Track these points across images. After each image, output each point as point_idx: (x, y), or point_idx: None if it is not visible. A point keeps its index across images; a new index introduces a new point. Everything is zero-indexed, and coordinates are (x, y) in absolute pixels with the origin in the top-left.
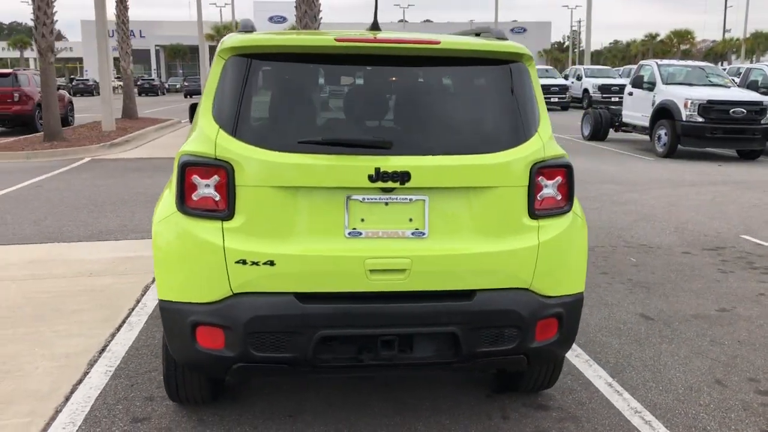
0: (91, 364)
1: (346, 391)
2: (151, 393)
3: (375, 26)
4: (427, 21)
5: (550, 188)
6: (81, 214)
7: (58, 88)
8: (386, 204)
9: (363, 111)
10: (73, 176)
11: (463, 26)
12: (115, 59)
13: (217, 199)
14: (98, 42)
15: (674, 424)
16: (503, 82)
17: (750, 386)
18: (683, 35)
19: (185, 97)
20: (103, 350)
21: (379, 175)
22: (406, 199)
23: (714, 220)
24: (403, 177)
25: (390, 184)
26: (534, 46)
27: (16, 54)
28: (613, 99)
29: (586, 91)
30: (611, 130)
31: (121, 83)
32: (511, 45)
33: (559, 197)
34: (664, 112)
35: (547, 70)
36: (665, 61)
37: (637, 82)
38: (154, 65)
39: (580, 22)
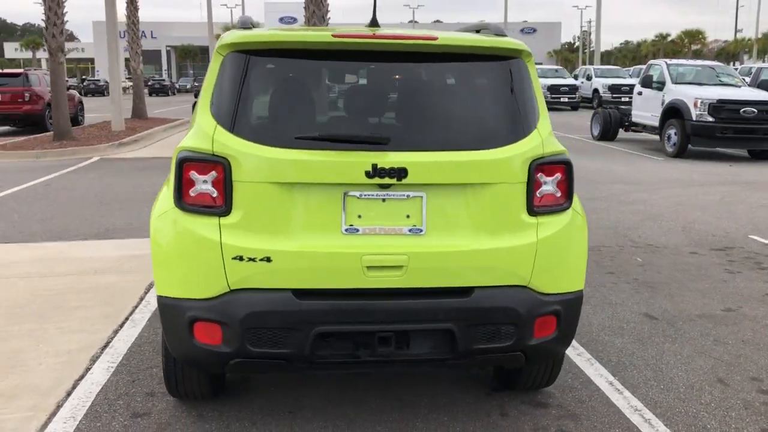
0: (94, 360)
1: (345, 387)
2: (152, 389)
3: (374, 23)
4: (437, 21)
5: (549, 185)
6: (88, 212)
7: (69, 88)
8: (383, 200)
9: (360, 107)
10: (81, 175)
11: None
12: (126, 60)
13: (215, 195)
14: (108, 42)
15: (674, 422)
16: (502, 78)
17: (752, 385)
18: (694, 35)
19: (195, 97)
20: (105, 347)
21: (376, 171)
22: (404, 195)
23: (722, 220)
24: (400, 173)
25: (387, 181)
26: (544, 46)
27: (28, 55)
28: (623, 99)
29: (596, 91)
30: (621, 130)
31: (131, 83)
32: (510, 41)
33: (559, 194)
34: (673, 112)
35: (556, 70)
36: (675, 61)
37: (647, 82)
38: (165, 66)
39: (590, 22)
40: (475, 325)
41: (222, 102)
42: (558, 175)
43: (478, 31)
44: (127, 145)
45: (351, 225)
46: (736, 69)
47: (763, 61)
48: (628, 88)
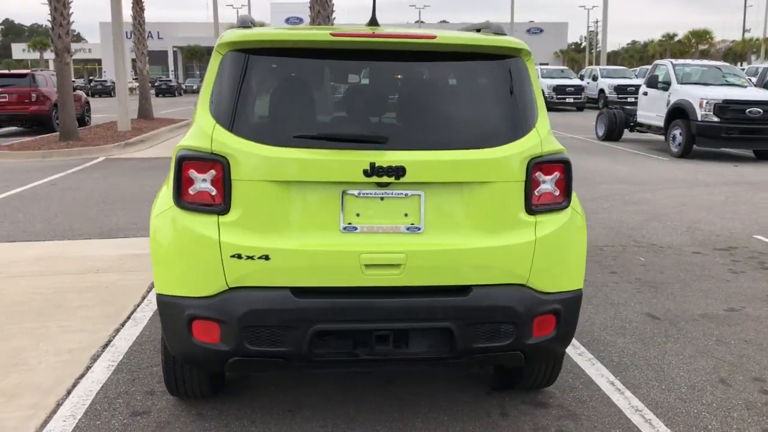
0: (94, 358)
1: (345, 386)
2: (152, 387)
3: (373, 22)
4: (443, 22)
5: (547, 183)
6: (92, 211)
7: (76, 89)
8: (381, 199)
9: (359, 106)
10: (87, 175)
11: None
12: (133, 60)
13: (214, 193)
14: (114, 43)
15: (675, 422)
16: (500, 77)
17: (755, 386)
18: (702, 35)
19: None
20: (106, 345)
21: (374, 170)
22: (402, 194)
23: (726, 220)
24: (398, 172)
25: (385, 179)
26: (551, 46)
27: (36, 56)
28: (629, 99)
29: (602, 91)
30: (626, 130)
31: (138, 84)
32: (509, 40)
33: (557, 192)
34: (679, 112)
35: (562, 71)
36: (680, 61)
37: (652, 82)
38: (171, 66)
39: (597, 22)
40: (473, 323)
41: (221, 101)
42: (556, 174)
43: (478, 30)
44: (133, 146)
45: (349, 223)
46: (743, 69)
47: None
48: (634, 88)
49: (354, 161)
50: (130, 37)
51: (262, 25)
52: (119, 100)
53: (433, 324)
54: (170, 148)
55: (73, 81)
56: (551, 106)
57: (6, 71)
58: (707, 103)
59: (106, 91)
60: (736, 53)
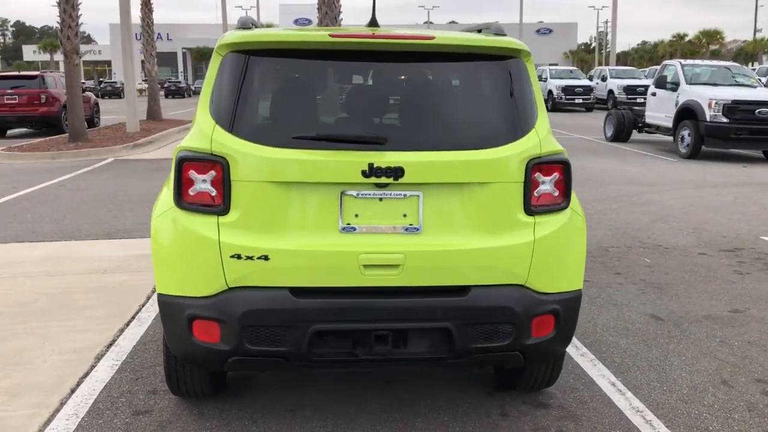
0: (98, 358)
1: (346, 386)
2: (155, 386)
3: (373, 23)
4: (452, 22)
5: (546, 184)
6: (100, 212)
7: (85, 90)
8: (380, 199)
9: (358, 106)
10: (95, 176)
11: None
12: (142, 62)
13: (213, 194)
14: (122, 44)
15: (676, 423)
16: (500, 78)
17: (757, 387)
18: (712, 35)
19: None
20: (111, 345)
21: (372, 171)
22: (400, 194)
23: (733, 221)
24: (397, 172)
25: (384, 180)
26: (560, 47)
27: (46, 57)
28: (638, 100)
29: (611, 92)
30: (634, 131)
31: (147, 85)
32: (509, 41)
33: (556, 193)
34: (687, 113)
35: (571, 71)
36: (689, 61)
37: (661, 83)
38: (180, 68)
39: (606, 22)
40: (472, 324)
41: (221, 102)
42: (556, 175)
43: (479, 31)
44: (142, 147)
45: (348, 224)
46: (754, 69)
47: None
48: (643, 89)
49: (352, 162)
50: (140, 39)
51: (270, 26)
52: (128, 102)
53: (432, 324)
54: None
55: (83, 82)
56: (560, 107)
57: (16, 73)
58: (716, 103)
59: (116, 93)
60: (747, 53)
